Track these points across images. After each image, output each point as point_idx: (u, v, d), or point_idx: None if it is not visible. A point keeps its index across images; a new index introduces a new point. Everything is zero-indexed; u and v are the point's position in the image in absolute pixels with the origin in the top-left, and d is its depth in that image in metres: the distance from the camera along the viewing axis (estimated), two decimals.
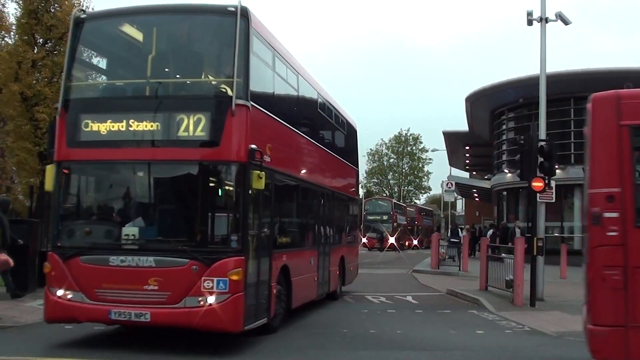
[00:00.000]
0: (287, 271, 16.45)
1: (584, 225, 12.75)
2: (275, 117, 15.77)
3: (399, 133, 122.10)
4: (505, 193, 52.08)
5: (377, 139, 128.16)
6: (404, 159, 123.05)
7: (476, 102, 50.59)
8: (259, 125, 14.20)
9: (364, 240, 75.46)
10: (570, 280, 30.76)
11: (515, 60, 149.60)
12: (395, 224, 75.62)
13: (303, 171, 19.05)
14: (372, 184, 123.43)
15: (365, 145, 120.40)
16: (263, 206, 14.62)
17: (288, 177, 17.18)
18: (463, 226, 63.18)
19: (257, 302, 14.05)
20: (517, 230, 40.44)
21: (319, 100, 21.30)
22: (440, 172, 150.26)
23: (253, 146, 13.38)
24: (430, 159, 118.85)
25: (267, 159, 14.33)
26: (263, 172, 13.41)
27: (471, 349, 14.80)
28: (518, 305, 21.32)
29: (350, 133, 26.59)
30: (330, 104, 22.85)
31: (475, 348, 15.00)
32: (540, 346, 15.36)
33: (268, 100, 15.39)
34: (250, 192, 13.52)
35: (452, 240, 42.29)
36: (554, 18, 24.54)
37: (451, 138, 65.82)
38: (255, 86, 14.08)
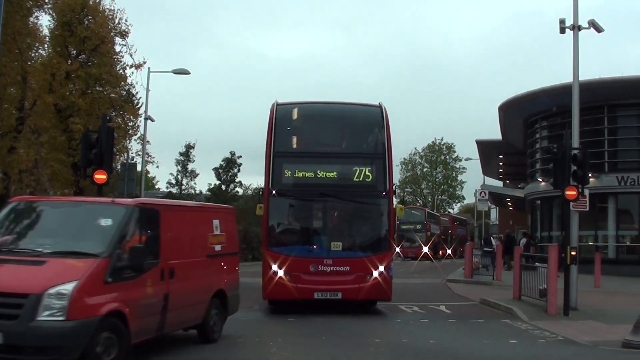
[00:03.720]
0: None
1: None
2: None
3: (432, 142, 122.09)
4: (538, 202, 51.69)
5: (410, 148, 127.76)
6: (438, 168, 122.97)
7: (509, 110, 50.32)
8: None
9: (398, 249, 75.25)
10: (604, 290, 30.53)
11: (549, 68, 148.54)
12: (428, 233, 75.26)
13: None
14: (405, 193, 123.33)
15: (398, 154, 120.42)
16: None
17: None
18: (496, 235, 62.77)
19: None
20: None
21: None
22: (473, 181, 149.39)
23: None
24: (463, 168, 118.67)
25: None
26: None
27: (504, 359, 14.72)
28: (552, 314, 21.17)
29: None
30: None
31: (508, 358, 14.94)
32: (574, 356, 15.28)
33: None
34: None
35: (485, 249, 42.10)
36: (586, 26, 24.40)
37: (484, 147, 65.54)
38: None
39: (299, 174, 22.57)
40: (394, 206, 22.54)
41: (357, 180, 22.25)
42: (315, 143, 24.38)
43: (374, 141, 23.67)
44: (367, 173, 22.36)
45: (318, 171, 22.62)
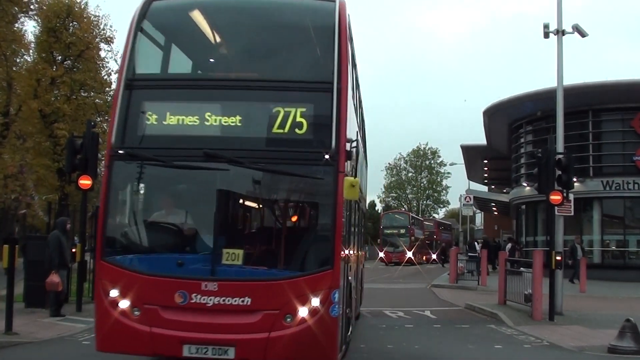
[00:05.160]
0: None
1: None
2: None
3: (417, 147, 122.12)
4: (523, 206, 51.82)
5: (395, 153, 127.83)
6: (423, 173, 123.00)
7: (494, 115, 50.43)
8: None
9: (381, 254, 74.87)
10: (589, 294, 30.60)
11: (534, 72, 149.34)
12: (412, 238, 75.08)
13: None
14: (390, 198, 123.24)
15: (383, 159, 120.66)
16: None
17: None
18: (480, 240, 62.95)
19: None
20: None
21: None
22: (458, 186, 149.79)
23: None
24: (448, 173, 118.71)
25: None
26: None
27: None
28: (537, 319, 21.18)
29: None
30: None
31: None
32: None
33: None
34: None
35: (470, 254, 42.16)
36: (570, 30, 24.49)
37: (469, 152, 65.65)
38: None
39: (170, 120, 11.39)
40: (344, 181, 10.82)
41: (280, 131, 11.12)
42: (205, 64, 13.68)
43: (315, 61, 12.48)
44: (298, 118, 11.14)
45: (207, 114, 11.38)
